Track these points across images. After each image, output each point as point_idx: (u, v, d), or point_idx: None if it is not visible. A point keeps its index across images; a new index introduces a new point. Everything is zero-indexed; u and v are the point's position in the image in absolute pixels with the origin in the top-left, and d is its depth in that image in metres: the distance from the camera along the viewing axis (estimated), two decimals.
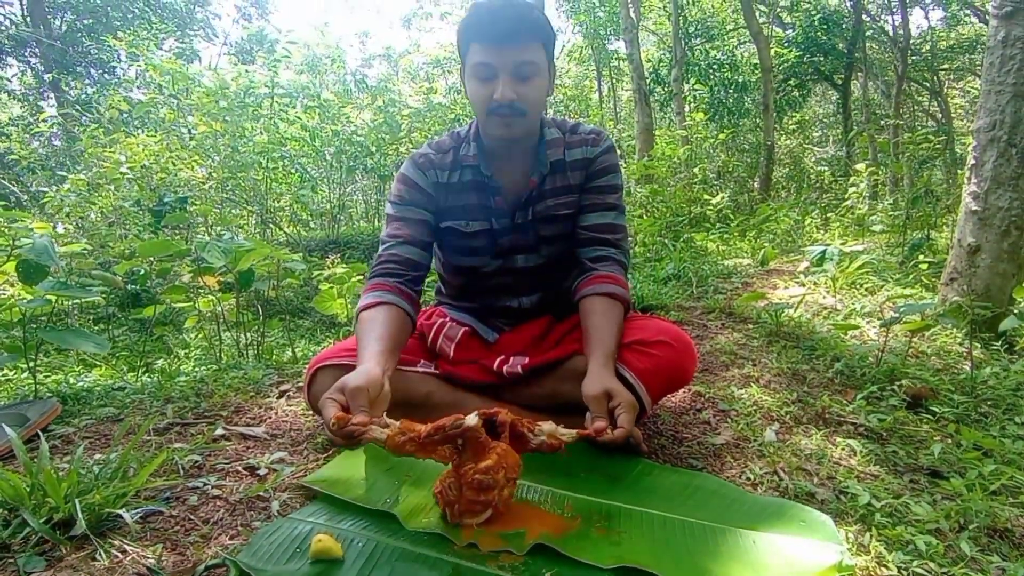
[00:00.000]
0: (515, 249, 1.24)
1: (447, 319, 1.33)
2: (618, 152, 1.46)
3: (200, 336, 3.29)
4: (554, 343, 1.27)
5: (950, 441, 1.23)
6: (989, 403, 1.43)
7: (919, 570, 0.79)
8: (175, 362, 2.97)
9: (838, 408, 1.38)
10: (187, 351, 3.47)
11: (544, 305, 1.31)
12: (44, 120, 6.38)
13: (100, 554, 0.77)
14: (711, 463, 1.13)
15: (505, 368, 1.18)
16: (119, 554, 0.78)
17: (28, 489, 0.84)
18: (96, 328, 4.22)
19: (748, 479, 1.06)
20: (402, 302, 1.13)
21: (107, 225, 5.20)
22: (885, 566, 0.80)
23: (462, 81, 1.17)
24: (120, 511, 0.83)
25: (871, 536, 0.86)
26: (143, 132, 6.22)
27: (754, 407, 1.39)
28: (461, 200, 1.21)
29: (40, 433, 1.15)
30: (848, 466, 1.12)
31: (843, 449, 1.19)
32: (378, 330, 1.05)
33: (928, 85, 11.80)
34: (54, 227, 4.56)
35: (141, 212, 5.10)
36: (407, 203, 1.21)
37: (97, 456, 1.08)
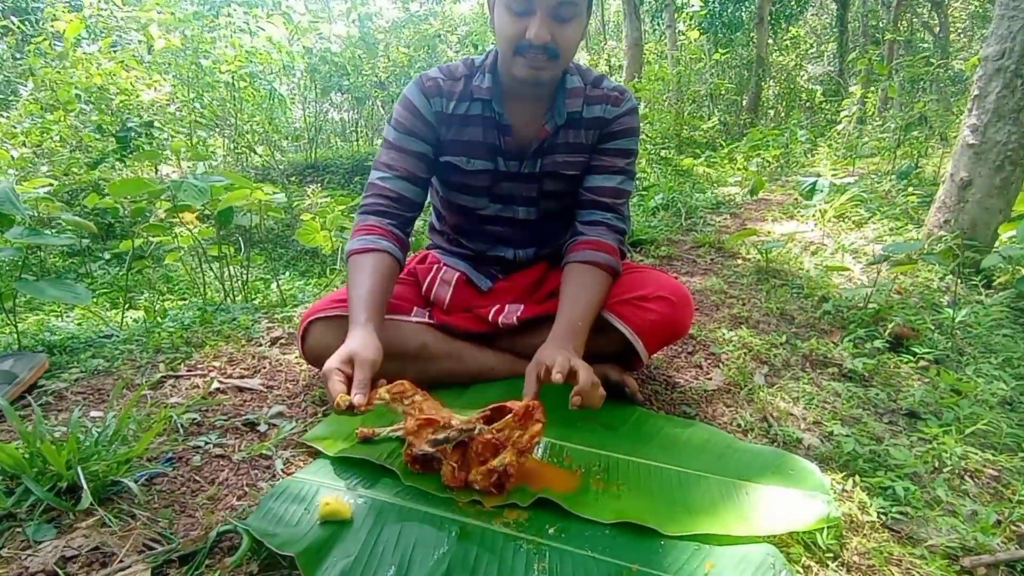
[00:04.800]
0: (515, 199, 1.20)
1: (442, 264, 1.30)
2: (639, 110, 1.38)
3: (182, 272, 3.22)
4: (548, 293, 1.26)
5: (928, 383, 1.28)
6: (967, 342, 1.48)
7: (897, 515, 0.85)
8: (158, 298, 2.92)
9: (824, 350, 1.42)
10: (169, 285, 3.41)
11: (539, 259, 1.29)
12: None
13: (110, 520, 0.78)
14: (704, 409, 1.16)
15: (500, 319, 1.17)
16: (129, 519, 0.79)
17: (27, 457, 0.83)
18: (71, 262, 4.09)
19: (739, 426, 1.10)
20: (394, 248, 1.10)
21: (68, 151, 4.91)
22: (867, 513, 0.85)
23: (488, 8, 1.06)
24: (124, 479, 0.83)
25: (854, 483, 0.91)
26: (95, 47, 5.72)
27: (744, 349, 1.42)
28: (465, 134, 1.14)
29: (28, 394, 1.14)
30: (833, 409, 1.16)
31: (828, 392, 1.24)
32: (369, 282, 1.03)
33: None
34: (9, 153, 4.29)
35: (104, 138, 4.80)
36: (407, 132, 1.14)
37: (93, 414, 1.08)
